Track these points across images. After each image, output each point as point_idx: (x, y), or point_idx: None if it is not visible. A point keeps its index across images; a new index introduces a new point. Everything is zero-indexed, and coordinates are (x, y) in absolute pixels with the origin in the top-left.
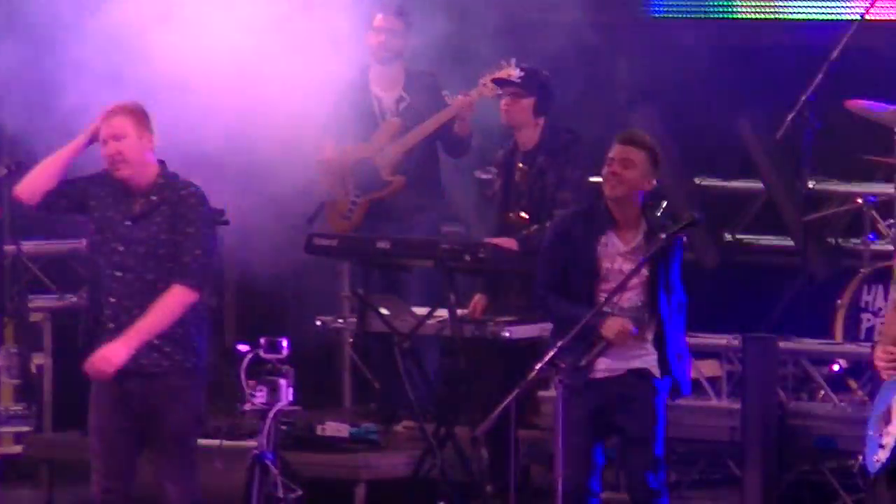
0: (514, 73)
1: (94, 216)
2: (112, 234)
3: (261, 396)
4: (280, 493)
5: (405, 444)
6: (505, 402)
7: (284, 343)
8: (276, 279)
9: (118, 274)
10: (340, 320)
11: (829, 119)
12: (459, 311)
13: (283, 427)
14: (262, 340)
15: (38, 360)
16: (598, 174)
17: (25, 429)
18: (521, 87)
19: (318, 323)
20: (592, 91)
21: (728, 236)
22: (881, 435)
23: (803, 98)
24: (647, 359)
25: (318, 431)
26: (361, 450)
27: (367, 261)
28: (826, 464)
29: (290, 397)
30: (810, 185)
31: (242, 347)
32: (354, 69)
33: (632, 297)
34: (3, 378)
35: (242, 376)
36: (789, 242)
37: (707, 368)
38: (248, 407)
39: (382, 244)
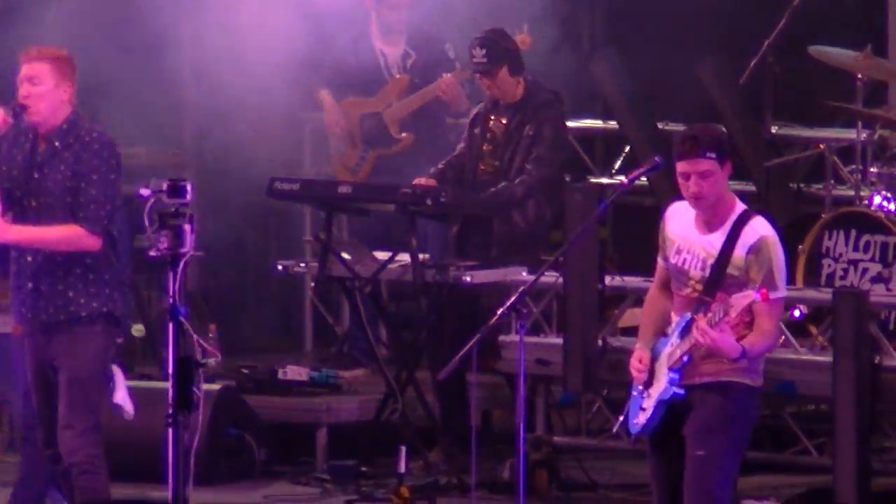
0: (528, 39)
1: (10, 172)
2: (19, 186)
3: (165, 242)
4: (199, 357)
5: (366, 388)
6: (466, 348)
7: (188, 187)
8: (238, 224)
9: (26, 223)
10: (302, 264)
11: (791, 65)
12: (421, 256)
13: (244, 371)
14: (164, 184)
15: None
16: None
17: None
18: (489, 65)
19: (280, 267)
20: (556, 41)
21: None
22: (643, 398)
23: (766, 43)
24: None
25: (280, 375)
26: (322, 394)
27: (329, 205)
28: (786, 409)
29: (193, 243)
30: (773, 130)
31: (144, 192)
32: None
33: None
34: None
35: (146, 221)
36: (751, 188)
37: None
38: (153, 253)
39: (344, 188)
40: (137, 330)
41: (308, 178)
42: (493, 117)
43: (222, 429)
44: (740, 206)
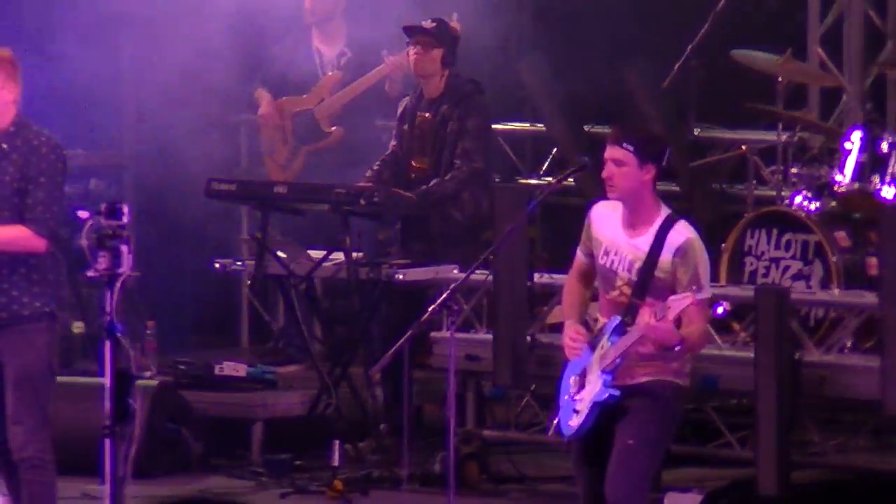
0: (457, 26)
1: None
2: None
3: (103, 262)
4: (133, 370)
5: (301, 383)
6: (399, 344)
7: (125, 209)
8: (175, 222)
9: None
10: (239, 263)
11: (714, 68)
12: (354, 255)
13: (182, 366)
14: (102, 206)
15: None
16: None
17: None
18: (433, 37)
19: (217, 265)
20: (485, 44)
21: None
22: (575, 400)
23: (689, 47)
24: None
25: (217, 371)
26: (258, 389)
27: (265, 205)
28: (709, 403)
29: (132, 263)
30: (696, 132)
31: (83, 214)
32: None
33: None
34: None
35: (84, 242)
36: (676, 188)
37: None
38: (91, 273)
39: (280, 188)
40: (77, 327)
41: (245, 179)
42: (418, 113)
43: (159, 423)
44: (665, 210)
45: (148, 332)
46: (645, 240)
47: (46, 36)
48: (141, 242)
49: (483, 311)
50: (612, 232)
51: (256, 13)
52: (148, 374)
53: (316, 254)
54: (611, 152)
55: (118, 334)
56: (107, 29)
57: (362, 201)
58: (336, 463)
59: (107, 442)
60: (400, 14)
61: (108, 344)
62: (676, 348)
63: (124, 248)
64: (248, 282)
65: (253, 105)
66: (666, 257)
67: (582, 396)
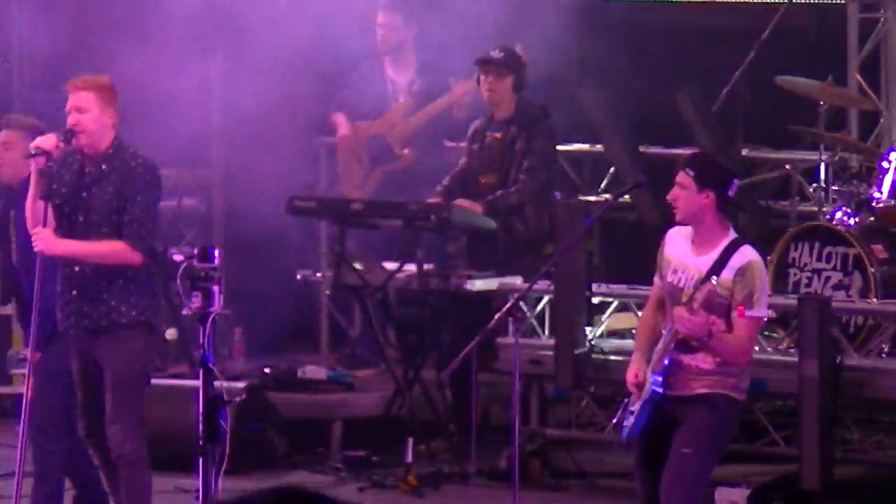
0: (522, 55)
1: (60, 191)
2: (68, 203)
3: (196, 301)
4: (224, 395)
5: (377, 386)
6: (467, 349)
7: (216, 252)
8: (261, 237)
9: (74, 238)
10: (318, 274)
11: (760, 93)
12: (425, 266)
13: (267, 370)
14: (195, 250)
15: None
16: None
17: None
18: (503, 65)
19: (299, 277)
20: (545, 68)
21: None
22: (632, 403)
23: (737, 74)
24: None
25: (299, 374)
26: (337, 391)
27: (343, 220)
28: (757, 404)
29: (222, 302)
30: (743, 152)
31: (177, 256)
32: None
33: None
34: (15, 326)
35: (178, 283)
36: None
37: None
38: (185, 312)
39: (356, 205)
40: (171, 334)
41: (324, 196)
42: (488, 133)
43: (247, 423)
44: (733, 234)
45: (236, 338)
46: (709, 258)
47: (141, 63)
48: (228, 256)
49: (545, 319)
50: (681, 252)
51: (335, 44)
52: (238, 398)
53: (390, 265)
54: (678, 176)
55: (210, 365)
56: (197, 56)
57: (433, 217)
58: (409, 459)
59: (199, 460)
60: (465, 45)
61: (201, 373)
62: (704, 341)
63: (216, 289)
64: (328, 292)
65: (331, 129)
66: (727, 276)
67: (637, 399)
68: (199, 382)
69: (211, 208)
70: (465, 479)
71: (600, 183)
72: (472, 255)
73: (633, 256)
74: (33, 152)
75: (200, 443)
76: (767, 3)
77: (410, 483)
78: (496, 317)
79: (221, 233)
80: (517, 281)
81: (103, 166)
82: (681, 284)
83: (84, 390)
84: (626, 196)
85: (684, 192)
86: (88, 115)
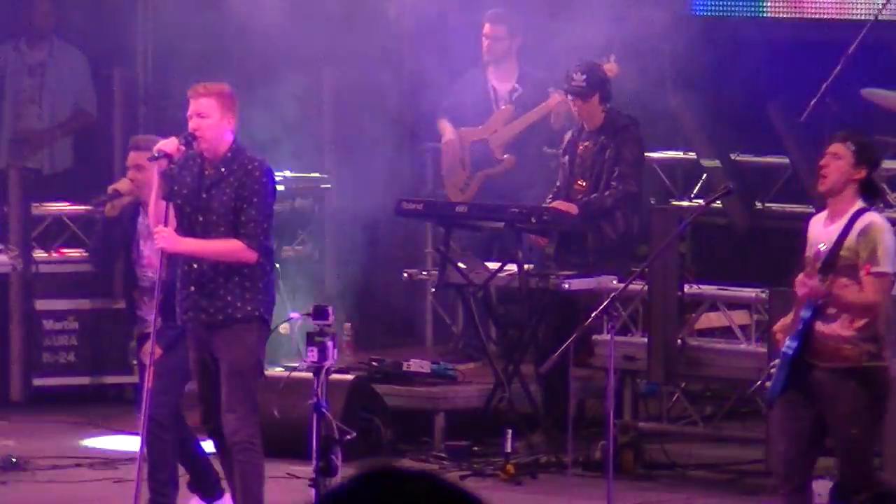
0: (615, 67)
1: (181, 192)
2: (189, 204)
3: (312, 356)
4: (336, 435)
5: (478, 379)
6: (564, 345)
7: (330, 310)
8: (370, 237)
9: (194, 236)
10: (424, 273)
11: (846, 104)
12: (525, 266)
13: (374, 363)
14: (311, 308)
15: None
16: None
17: None
18: (587, 87)
19: (405, 275)
20: (642, 78)
21: (758, 204)
22: (773, 369)
23: (824, 86)
24: None
25: (404, 367)
26: (441, 384)
27: (448, 222)
28: None
29: (336, 357)
30: None
31: (294, 315)
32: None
33: None
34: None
35: (294, 338)
36: (810, 209)
37: (738, 317)
38: (301, 365)
39: (461, 208)
40: (283, 328)
41: (430, 199)
42: (580, 143)
43: (355, 412)
44: (860, 204)
45: (345, 333)
46: (837, 227)
47: (257, 75)
48: (338, 254)
49: (639, 317)
50: (816, 228)
51: (441, 54)
52: (348, 437)
53: (491, 265)
54: (833, 147)
55: (323, 410)
56: (311, 68)
57: (533, 219)
58: (508, 449)
59: (312, 491)
60: (564, 55)
61: (314, 416)
62: (823, 300)
63: (330, 344)
64: (433, 289)
65: (436, 134)
66: (851, 237)
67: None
68: (309, 375)
69: (322, 209)
70: (561, 469)
71: (693, 188)
72: (561, 257)
73: (723, 259)
74: (156, 155)
75: (314, 475)
76: (855, 20)
77: (509, 472)
78: (593, 315)
79: (332, 233)
80: (612, 281)
81: (222, 169)
82: (812, 254)
83: (201, 380)
84: (718, 202)
85: (838, 162)
86: (209, 120)
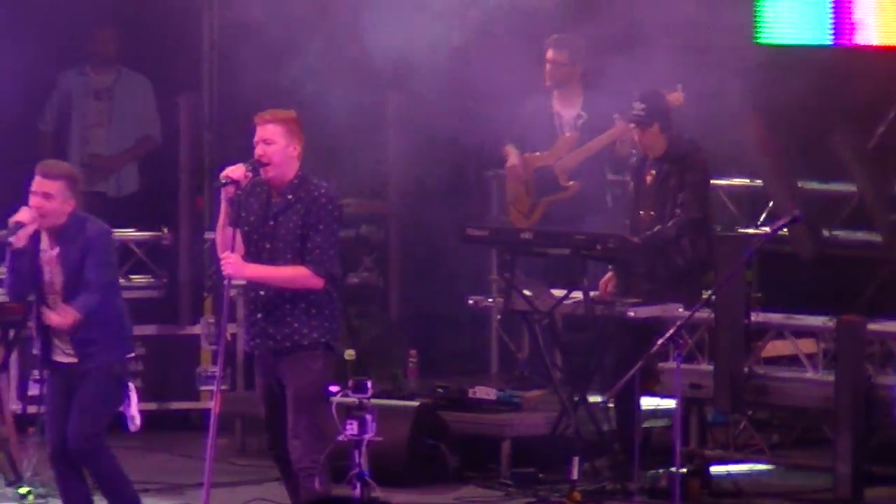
0: (681, 96)
1: (248, 219)
2: (256, 230)
3: (352, 429)
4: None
5: (544, 406)
6: (631, 373)
7: (369, 384)
8: (434, 264)
9: (261, 263)
10: (489, 300)
11: None
12: (591, 293)
13: (440, 390)
14: (349, 382)
15: (233, 329)
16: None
17: (223, 387)
18: (647, 116)
19: (470, 302)
20: (706, 105)
21: (825, 232)
22: None
23: (892, 113)
24: None
25: (470, 394)
26: (506, 411)
27: (513, 249)
28: None
29: (374, 429)
30: None
31: (333, 388)
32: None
33: None
34: (203, 344)
35: (333, 412)
36: (877, 238)
37: (805, 346)
38: (341, 437)
39: (526, 234)
40: (349, 354)
41: (496, 226)
42: (646, 172)
43: (420, 439)
44: None
45: (411, 360)
46: None
47: (319, 98)
48: (404, 281)
49: (705, 345)
50: None
51: (506, 80)
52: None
53: (557, 292)
54: None
55: (367, 479)
56: (374, 93)
57: (598, 246)
58: (575, 477)
59: None
60: (630, 82)
61: (358, 486)
62: None
63: (369, 418)
64: (498, 316)
65: (501, 161)
66: None
67: None
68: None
69: (388, 236)
70: (627, 497)
71: (759, 216)
72: (628, 285)
73: (790, 287)
74: (223, 182)
75: None
76: None
77: (575, 499)
78: (659, 342)
79: (398, 260)
80: (678, 309)
81: (289, 196)
82: None
83: (268, 406)
84: (784, 229)
85: None
86: (275, 146)
